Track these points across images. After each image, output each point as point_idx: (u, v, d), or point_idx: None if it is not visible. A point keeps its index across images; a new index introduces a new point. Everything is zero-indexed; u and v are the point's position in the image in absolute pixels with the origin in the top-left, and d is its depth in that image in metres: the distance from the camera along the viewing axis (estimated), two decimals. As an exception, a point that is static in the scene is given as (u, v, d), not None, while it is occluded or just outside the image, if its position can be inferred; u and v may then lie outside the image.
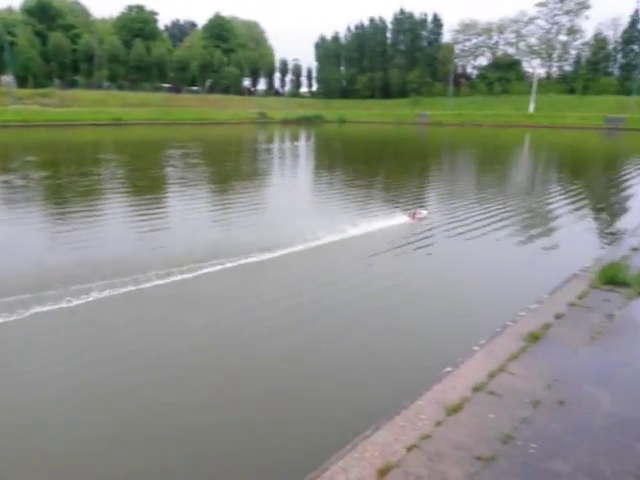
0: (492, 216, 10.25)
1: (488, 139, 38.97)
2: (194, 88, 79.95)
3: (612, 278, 5.31)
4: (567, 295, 5.20)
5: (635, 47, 63.50)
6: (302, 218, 9.85)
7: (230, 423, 3.82)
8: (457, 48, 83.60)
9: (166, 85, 76.42)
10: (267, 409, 3.95)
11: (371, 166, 21.09)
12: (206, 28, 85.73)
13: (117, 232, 9.23)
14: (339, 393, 4.13)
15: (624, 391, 3.47)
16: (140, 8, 77.50)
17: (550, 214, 10.88)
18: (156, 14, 79.87)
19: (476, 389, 3.63)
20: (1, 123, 42.35)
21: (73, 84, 67.25)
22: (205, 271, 6.60)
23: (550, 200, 12.46)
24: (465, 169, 21.15)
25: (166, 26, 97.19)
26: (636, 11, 62.57)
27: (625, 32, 64.43)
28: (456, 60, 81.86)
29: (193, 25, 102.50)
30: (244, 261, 7.02)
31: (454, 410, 3.38)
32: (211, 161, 22.23)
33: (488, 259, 7.57)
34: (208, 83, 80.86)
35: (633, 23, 62.90)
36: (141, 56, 70.64)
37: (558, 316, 4.70)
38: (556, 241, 8.51)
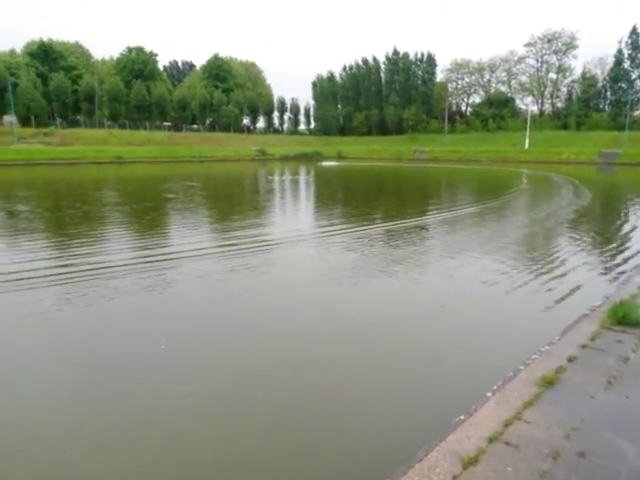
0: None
1: (494, 174, 39.42)
2: (194, 126, 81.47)
3: (623, 318, 5.21)
4: (578, 336, 5.09)
5: (623, 85, 65.30)
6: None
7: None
8: (450, 87, 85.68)
9: (167, 124, 77.88)
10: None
11: (370, 198, 21.31)
12: (205, 69, 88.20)
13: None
14: (348, 448, 3.96)
15: (648, 441, 3.33)
16: (140, 49, 79.78)
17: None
18: (156, 55, 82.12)
19: (491, 439, 3.48)
20: (4, 162, 42.99)
21: (75, 123, 68.44)
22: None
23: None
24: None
25: (165, 67, 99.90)
26: (619, 51, 64.62)
27: (612, 70, 66.42)
28: (450, 98, 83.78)
29: (191, 66, 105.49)
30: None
31: (470, 463, 3.23)
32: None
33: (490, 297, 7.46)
34: (208, 121, 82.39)
35: (618, 62, 64.97)
36: (142, 96, 72.25)
37: (571, 359, 4.58)
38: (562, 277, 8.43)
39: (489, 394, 4.12)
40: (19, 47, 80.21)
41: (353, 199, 22.38)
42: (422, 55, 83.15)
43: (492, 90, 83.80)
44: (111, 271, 8.59)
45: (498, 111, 74.81)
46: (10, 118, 58.86)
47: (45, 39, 75.46)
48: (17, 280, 7.95)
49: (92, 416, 4.26)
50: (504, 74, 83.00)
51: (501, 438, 3.48)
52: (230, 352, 5.47)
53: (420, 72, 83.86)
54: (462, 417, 3.80)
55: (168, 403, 4.45)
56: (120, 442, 3.93)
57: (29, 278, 8.06)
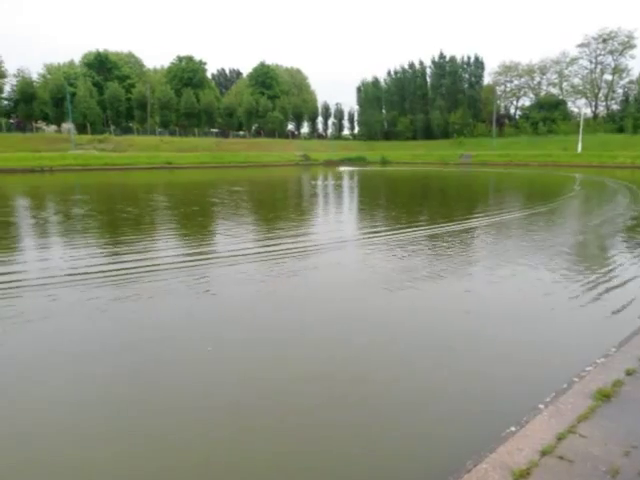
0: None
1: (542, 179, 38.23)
2: (241, 133, 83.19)
3: (687, 331, 4.92)
4: (637, 349, 4.85)
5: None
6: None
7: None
8: (499, 89, 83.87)
9: (214, 130, 79.87)
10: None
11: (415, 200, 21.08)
12: (251, 76, 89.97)
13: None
14: (395, 456, 3.92)
15: None
16: (189, 58, 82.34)
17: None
18: (205, 64, 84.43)
19: (544, 452, 3.36)
20: (63, 167, 45.53)
21: (128, 130, 71.21)
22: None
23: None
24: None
25: (213, 75, 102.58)
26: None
27: (675, 70, 62.99)
28: (498, 101, 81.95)
29: (238, 74, 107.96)
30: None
31: (522, 476, 3.13)
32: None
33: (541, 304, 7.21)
34: (254, 128, 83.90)
35: (682, 61, 61.54)
36: (191, 104, 74.39)
37: (629, 372, 4.36)
38: (619, 284, 8.05)
39: (541, 406, 3.98)
40: (77, 58, 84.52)
41: (396, 203, 22.18)
42: (469, 58, 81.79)
43: (542, 93, 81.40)
44: (159, 270, 8.89)
45: (549, 114, 72.51)
46: (68, 126, 62.03)
47: (101, 50, 79.08)
48: (72, 275, 8.34)
49: (132, 417, 4.40)
50: (555, 76, 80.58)
51: (554, 452, 3.35)
52: (277, 354, 5.52)
53: (467, 75, 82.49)
54: (513, 429, 3.69)
55: (215, 405, 4.53)
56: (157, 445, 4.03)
57: (84, 273, 8.46)
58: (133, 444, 3.94)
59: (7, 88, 69.14)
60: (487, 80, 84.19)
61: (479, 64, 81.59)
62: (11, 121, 65.49)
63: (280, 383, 4.89)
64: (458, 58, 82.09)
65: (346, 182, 36.95)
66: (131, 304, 7.10)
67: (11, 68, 75.13)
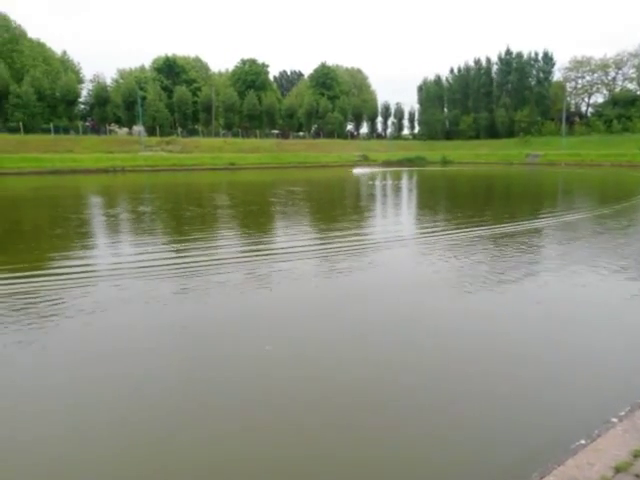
0: None
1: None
2: (301, 133, 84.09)
3: None
4: None
5: None
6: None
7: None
8: (569, 86, 79.81)
9: (275, 131, 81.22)
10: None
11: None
12: (312, 77, 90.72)
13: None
14: (460, 462, 3.80)
15: None
16: (253, 61, 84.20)
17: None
18: (267, 66, 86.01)
19: (618, 469, 3.15)
20: (134, 167, 48.09)
21: (194, 132, 73.82)
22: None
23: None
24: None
25: (275, 77, 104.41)
26: None
27: None
28: (568, 98, 77.94)
29: (299, 75, 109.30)
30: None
31: (593, 492, 2.96)
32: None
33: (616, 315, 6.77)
34: (314, 128, 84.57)
35: None
36: (253, 106, 76.02)
37: None
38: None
39: (614, 420, 3.74)
40: (147, 63, 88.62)
41: (455, 203, 21.63)
42: (537, 54, 78.45)
43: (617, 88, 76.60)
44: (219, 265, 9.19)
45: (624, 111, 68.11)
46: (139, 128, 65.27)
47: (169, 55, 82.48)
48: (138, 268, 8.77)
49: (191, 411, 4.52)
50: (633, 70, 75.48)
51: (630, 469, 3.14)
52: (331, 356, 5.52)
53: (535, 71, 79.13)
54: (583, 442, 3.49)
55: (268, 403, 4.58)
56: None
57: (149, 263, 8.88)
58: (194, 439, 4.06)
59: (84, 93, 73.85)
60: (557, 76, 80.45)
61: (548, 60, 78.03)
62: (87, 124, 69.66)
63: (334, 386, 4.89)
64: (525, 54, 78.95)
65: (404, 182, 36.48)
66: (190, 298, 7.35)
67: (87, 74, 79.73)
